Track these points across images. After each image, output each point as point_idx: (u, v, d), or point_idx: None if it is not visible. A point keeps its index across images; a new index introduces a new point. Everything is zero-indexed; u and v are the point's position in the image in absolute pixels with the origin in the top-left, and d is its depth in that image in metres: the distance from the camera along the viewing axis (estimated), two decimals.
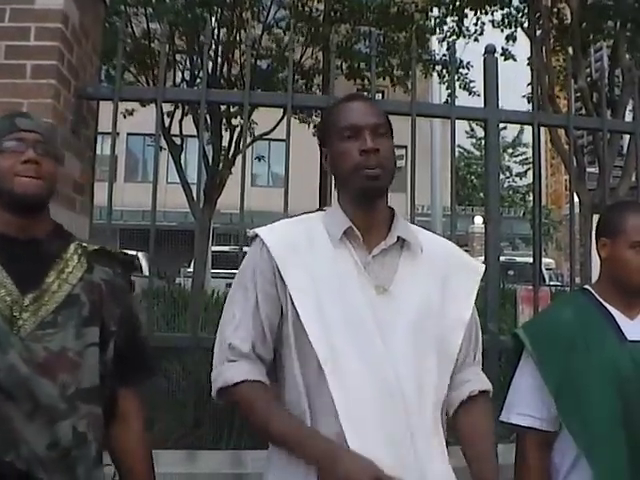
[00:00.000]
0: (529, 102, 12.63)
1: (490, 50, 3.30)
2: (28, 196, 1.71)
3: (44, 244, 1.76)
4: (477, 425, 1.82)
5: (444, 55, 12.38)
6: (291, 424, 1.64)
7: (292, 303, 1.69)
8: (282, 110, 8.96)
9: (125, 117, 11.35)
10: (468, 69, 12.72)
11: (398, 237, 1.79)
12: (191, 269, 16.13)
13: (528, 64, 10.99)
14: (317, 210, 1.94)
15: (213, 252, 16.23)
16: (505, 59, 11.88)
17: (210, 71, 10.56)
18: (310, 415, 1.64)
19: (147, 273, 3.32)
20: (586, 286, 2.28)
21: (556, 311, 2.28)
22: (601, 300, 2.15)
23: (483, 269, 1.98)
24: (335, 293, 1.70)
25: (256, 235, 1.80)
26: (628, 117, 9.60)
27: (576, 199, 3.39)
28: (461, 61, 12.50)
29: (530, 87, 11.39)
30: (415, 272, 1.79)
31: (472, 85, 12.78)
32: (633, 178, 9.45)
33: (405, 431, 1.64)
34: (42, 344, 1.62)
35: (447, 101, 10.94)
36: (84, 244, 1.84)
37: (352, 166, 1.74)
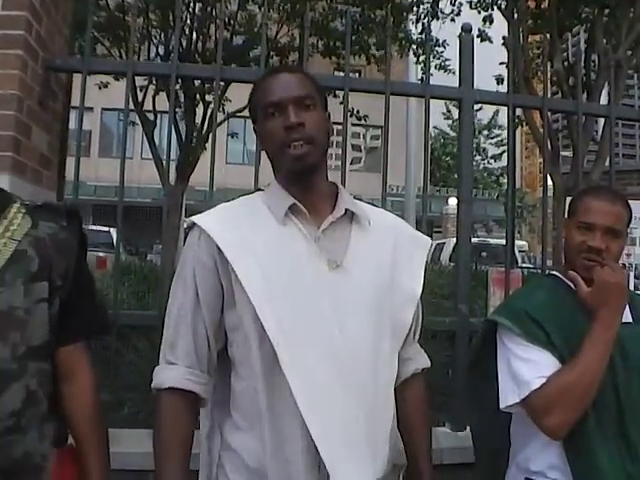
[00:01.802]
0: (498, 84, 12.64)
1: (466, 29, 3.27)
2: None
3: None
4: (417, 411, 1.85)
5: (420, 34, 12.30)
6: (164, 468, 1.60)
7: (241, 286, 1.61)
8: None
9: (100, 88, 11.19)
10: (444, 47, 12.65)
11: (346, 210, 1.73)
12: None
13: (503, 44, 11.03)
14: (255, 191, 1.88)
15: (186, 229, 16.12)
16: (481, 40, 11.83)
17: (184, 46, 10.44)
18: (267, 397, 1.60)
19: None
20: (553, 272, 2.30)
21: (528, 293, 2.27)
22: (567, 282, 2.16)
23: (430, 242, 1.94)
24: (284, 272, 1.63)
25: (194, 223, 1.73)
26: (603, 101, 9.65)
27: (550, 182, 3.39)
28: (437, 39, 12.46)
29: (505, 68, 11.42)
30: (367, 245, 1.74)
31: (448, 64, 12.75)
32: (607, 163, 9.54)
33: (358, 416, 1.61)
34: None
35: (422, 80, 10.93)
36: (27, 202, 1.80)
37: (278, 144, 1.67)
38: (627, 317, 2.08)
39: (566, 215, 2.26)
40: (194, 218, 1.73)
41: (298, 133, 1.64)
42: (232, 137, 16.35)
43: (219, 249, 1.65)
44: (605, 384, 1.95)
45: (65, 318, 1.74)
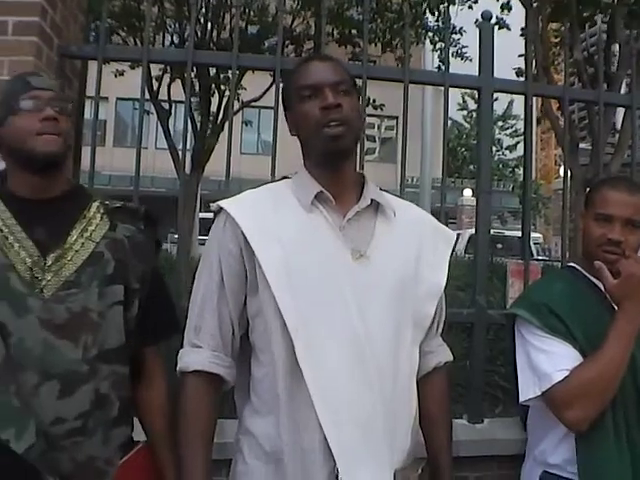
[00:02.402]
0: (518, 76, 12.49)
1: (486, 17, 3.22)
2: (51, 154, 1.68)
3: (64, 203, 1.74)
4: (439, 404, 1.86)
5: (437, 21, 12.17)
6: (190, 456, 1.64)
7: (263, 274, 1.62)
8: (271, 77, 8.77)
9: (116, 76, 11.20)
10: (461, 34, 12.49)
11: (372, 200, 1.74)
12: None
13: (521, 35, 10.89)
14: (282, 178, 1.87)
15: (201, 219, 16.20)
16: (499, 28, 11.63)
17: (199, 35, 10.41)
18: (285, 385, 1.60)
19: None
20: (571, 263, 2.28)
21: (547, 285, 2.26)
22: (586, 274, 2.15)
23: (454, 237, 1.94)
24: (308, 261, 1.64)
25: (220, 208, 1.74)
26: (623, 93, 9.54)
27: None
28: (454, 27, 12.30)
29: (522, 59, 11.28)
30: (391, 236, 1.74)
31: (464, 51, 12.59)
32: (626, 154, 9.44)
33: (376, 406, 1.61)
34: (65, 305, 1.60)
35: (439, 68, 10.82)
36: (106, 202, 1.82)
37: (313, 124, 1.67)
38: None
39: (583, 207, 2.23)
40: (221, 203, 1.73)
41: (336, 114, 1.64)
42: (246, 125, 16.33)
43: (244, 236, 1.65)
44: (625, 380, 1.93)
45: (143, 321, 1.78)
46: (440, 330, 1.92)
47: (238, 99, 11.72)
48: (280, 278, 1.61)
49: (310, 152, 1.76)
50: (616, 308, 1.97)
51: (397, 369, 1.67)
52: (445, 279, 1.84)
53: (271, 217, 1.68)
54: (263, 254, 1.63)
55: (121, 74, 11.48)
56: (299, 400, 1.59)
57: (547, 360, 1.97)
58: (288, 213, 1.69)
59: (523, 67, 12.00)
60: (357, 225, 1.70)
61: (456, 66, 3.18)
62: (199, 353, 1.68)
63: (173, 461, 1.81)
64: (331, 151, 1.68)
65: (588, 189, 2.25)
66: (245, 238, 1.65)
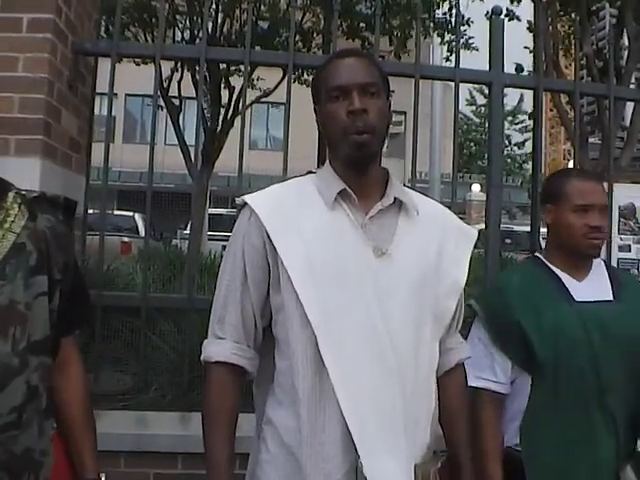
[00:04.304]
0: (517, 70, 12.41)
1: (496, 12, 3.24)
2: None
3: None
4: (459, 400, 1.89)
5: (444, 14, 12.11)
6: (214, 443, 1.67)
7: (285, 269, 1.64)
8: (282, 73, 8.75)
9: (138, 65, 11.18)
10: (469, 25, 12.39)
11: (395, 198, 1.74)
12: (188, 231, 16.16)
13: (528, 28, 10.83)
14: (307, 173, 1.88)
15: (210, 215, 16.22)
16: (509, 19, 11.52)
17: (210, 31, 10.42)
18: (307, 379, 1.62)
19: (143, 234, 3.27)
20: (536, 253, 2.38)
21: (504, 278, 2.39)
22: (549, 265, 2.23)
23: (476, 235, 1.94)
24: (330, 258, 1.65)
25: (245, 203, 1.75)
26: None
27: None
28: (462, 17, 12.21)
29: (525, 54, 11.24)
30: (413, 234, 1.75)
31: (471, 42, 12.50)
32: (635, 149, 9.43)
33: (396, 401, 1.63)
34: None
35: (447, 59, 10.78)
36: (23, 192, 1.75)
37: (340, 129, 1.68)
38: (608, 294, 2.15)
39: (540, 199, 2.36)
40: (246, 197, 1.76)
41: (361, 120, 1.66)
42: (274, 108, 16.25)
43: (267, 231, 1.68)
44: (582, 366, 2.02)
45: (63, 311, 1.73)
46: (460, 327, 1.94)
47: (252, 87, 11.71)
48: (303, 274, 1.63)
49: (336, 152, 1.77)
50: (572, 294, 2.10)
51: (417, 364, 1.69)
52: (465, 276, 1.84)
53: (294, 213, 1.70)
54: (285, 250, 1.65)
55: (137, 64, 11.47)
56: (320, 395, 1.61)
57: (471, 363, 2.06)
58: (311, 210, 1.71)
59: (524, 64, 11.92)
60: (379, 223, 1.71)
61: (463, 57, 3.18)
62: (221, 344, 1.71)
63: (91, 446, 1.83)
64: (356, 158, 1.70)
65: (549, 183, 2.34)
66: (268, 233, 1.67)
